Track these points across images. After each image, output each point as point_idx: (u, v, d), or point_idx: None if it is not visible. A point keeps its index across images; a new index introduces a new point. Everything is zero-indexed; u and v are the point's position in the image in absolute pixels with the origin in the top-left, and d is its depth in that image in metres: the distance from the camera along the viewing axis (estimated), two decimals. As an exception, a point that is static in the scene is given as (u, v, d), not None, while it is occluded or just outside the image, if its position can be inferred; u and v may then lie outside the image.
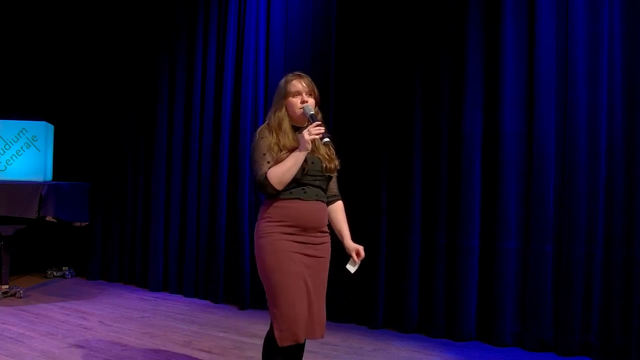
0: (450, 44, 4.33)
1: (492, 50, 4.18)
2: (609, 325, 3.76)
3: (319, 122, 2.49)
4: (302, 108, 2.57)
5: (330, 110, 4.57)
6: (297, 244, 2.52)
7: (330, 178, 2.66)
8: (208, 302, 5.28)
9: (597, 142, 3.83)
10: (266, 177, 2.50)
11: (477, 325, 4.21)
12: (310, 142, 2.47)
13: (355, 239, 2.69)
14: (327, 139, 2.46)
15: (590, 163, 3.86)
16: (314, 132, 2.45)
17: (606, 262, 3.77)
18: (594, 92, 3.86)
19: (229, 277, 5.21)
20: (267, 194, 2.56)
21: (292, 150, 2.53)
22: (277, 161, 2.52)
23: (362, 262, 2.61)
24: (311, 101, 2.61)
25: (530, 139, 4.05)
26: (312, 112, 2.55)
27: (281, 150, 2.54)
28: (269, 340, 2.54)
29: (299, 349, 2.69)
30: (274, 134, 2.58)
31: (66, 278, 6.20)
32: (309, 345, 2.91)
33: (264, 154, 2.54)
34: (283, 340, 2.46)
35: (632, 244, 3.70)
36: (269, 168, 2.52)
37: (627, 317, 3.71)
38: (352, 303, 4.57)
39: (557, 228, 3.97)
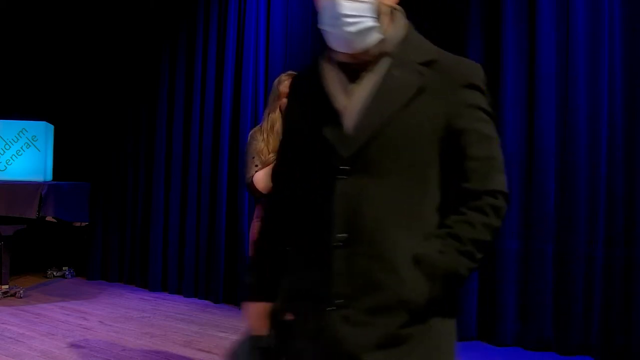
0: (450, 44, 4.31)
1: (492, 51, 4.18)
2: (609, 325, 3.75)
3: None
4: None
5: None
6: None
7: None
8: (208, 302, 5.27)
9: (597, 142, 3.82)
10: (252, 181, 2.52)
11: (477, 325, 4.20)
12: None
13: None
14: None
15: (590, 163, 3.85)
16: None
17: (606, 262, 3.76)
18: (594, 92, 3.86)
19: (229, 277, 5.21)
20: (256, 197, 2.56)
21: None
22: (266, 164, 2.52)
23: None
24: None
25: (531, 138, 4.05)
26: None
27: (270, 153, 2.53)
28: None
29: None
30: (266, 136, 2.58)
31: (66, 278, 6.19)
32: (309, 345, 2.91)
33: (253, 158, 2.56)
34: None
35: (632, 244, 3.69)
36: (256, 172, 2.52)
37: (627, 317, 3.70)
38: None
39: (557, 228, 3.97)
